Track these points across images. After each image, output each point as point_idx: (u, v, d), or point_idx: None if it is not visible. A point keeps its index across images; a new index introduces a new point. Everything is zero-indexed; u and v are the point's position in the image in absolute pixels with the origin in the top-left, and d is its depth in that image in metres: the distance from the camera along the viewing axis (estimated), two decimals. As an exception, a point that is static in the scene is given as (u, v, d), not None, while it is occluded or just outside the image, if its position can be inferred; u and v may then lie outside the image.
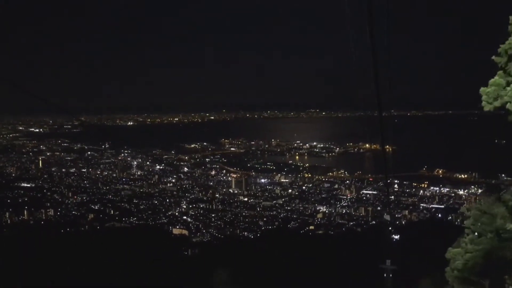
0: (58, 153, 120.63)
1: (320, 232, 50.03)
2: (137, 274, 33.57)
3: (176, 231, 51.07)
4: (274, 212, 62.85)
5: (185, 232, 50.98)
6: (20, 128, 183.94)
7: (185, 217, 59.81)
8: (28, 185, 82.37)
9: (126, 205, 66.57)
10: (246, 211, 63.58)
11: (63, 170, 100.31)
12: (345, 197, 72.23)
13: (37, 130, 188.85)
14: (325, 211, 63.92)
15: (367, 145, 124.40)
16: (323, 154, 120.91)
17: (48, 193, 75.72)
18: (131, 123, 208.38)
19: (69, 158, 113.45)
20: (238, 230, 53.27)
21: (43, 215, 57.21)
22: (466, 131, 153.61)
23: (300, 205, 66.89)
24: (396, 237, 22.52)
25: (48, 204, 63.63)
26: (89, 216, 57.29)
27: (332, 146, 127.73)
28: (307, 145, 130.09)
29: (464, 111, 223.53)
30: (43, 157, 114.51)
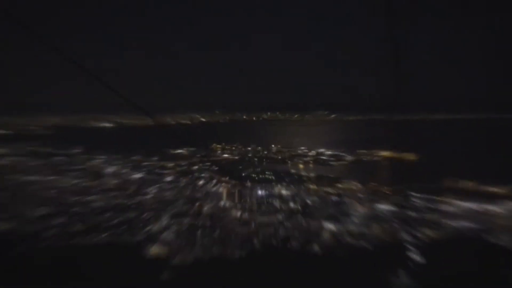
0: (20, 157, 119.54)
1: (325, 253, 48.44)
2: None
3: (153, 250, 49.41)
4: (272, 229, 61.31)
5: (164, 252, 49.32)
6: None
7: (165, 234, 58.15)
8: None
9: (96, 219, 64.99)
10: (238, 228, 62.00)
11: (24, 178, 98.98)
12: (356, 212, 70.73)
13: (3, 131, 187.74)
14: (333, 228, 62.38)
15: (383, 153, 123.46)
16: (332, 163, 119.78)
17: (8, 205, 74.05)
18: (108, 124, 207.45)
19: (33, 164, 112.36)
20: (228, 250, 51.61)
21: (-6, 231, 55.46)
22: (502, 138, 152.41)
23: (303, 222, 65.39)
24: (418, 258, 21.23)
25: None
26: (50, 232, 55.57)
27: (342, 154, 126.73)
28: (313, 151, 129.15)
29: (499, 115, 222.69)
30: (2, 163, 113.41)
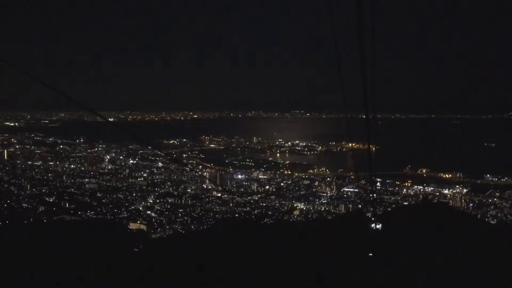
0: (28, 146, 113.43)
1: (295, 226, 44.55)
2: (71, 269, 27.65)
3: (133, 226, 45.05)
4: (248, 208, 57.41)
5: (143, 227, 45.02)
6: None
7: (149, 212, 53.81)
8: (-14, 177, 75.81)
9: (87, 198, 60.19)
10: (217, 207, 57.98)
11: (29, 162, 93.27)
12: (325, 194, 67.36)
13: (12, 124, 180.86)
14: (303, 208, 58.82)
15: (350, 144, 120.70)
16: (305, 152, 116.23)
17: (5, 185, 68.79)
18: (111, 119, 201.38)
19: (38, 151, 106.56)
20: (205, 226, 47.48)
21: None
22: (449, 134, 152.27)
23: (277, 202, 61.66)
24: (378, 226, 17.41)
25: (-2, 196, 56.74)
26: (39, 209, 50.75)
27: (314, 145, 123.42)
28: (289, 143, 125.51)
29: (446, 115, 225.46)
30: (11, 149, 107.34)
